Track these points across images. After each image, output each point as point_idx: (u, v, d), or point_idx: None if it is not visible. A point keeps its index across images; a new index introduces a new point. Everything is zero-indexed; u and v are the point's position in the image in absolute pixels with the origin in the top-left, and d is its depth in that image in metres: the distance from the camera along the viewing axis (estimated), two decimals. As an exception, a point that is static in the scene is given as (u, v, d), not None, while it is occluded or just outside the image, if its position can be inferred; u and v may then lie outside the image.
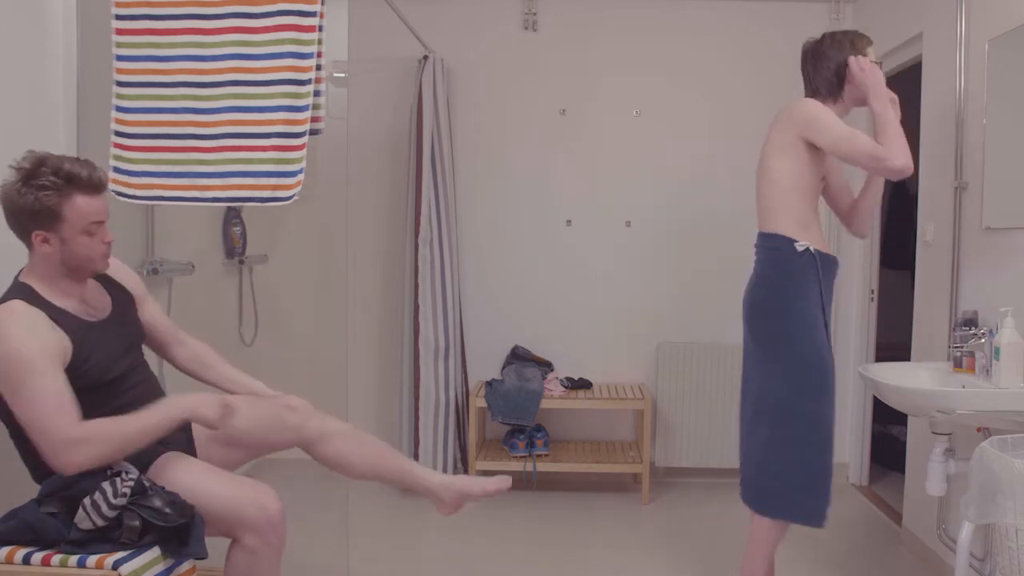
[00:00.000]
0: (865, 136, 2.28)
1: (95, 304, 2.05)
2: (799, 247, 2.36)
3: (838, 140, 2.29)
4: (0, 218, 1.96)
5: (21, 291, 1.92)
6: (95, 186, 1.92)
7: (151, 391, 2.13)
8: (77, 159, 1.93)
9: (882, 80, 2.38)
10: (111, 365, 1.99)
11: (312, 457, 2.31)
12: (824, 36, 2.48)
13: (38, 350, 1.82)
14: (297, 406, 2.29)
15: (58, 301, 1.95)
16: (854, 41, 2.44)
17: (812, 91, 2.48)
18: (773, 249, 2.41)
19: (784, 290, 2.38)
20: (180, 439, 2.14)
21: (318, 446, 2.28)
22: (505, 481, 2.35)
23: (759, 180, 2.46)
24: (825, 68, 2.44)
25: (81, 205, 1.90)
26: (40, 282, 1.94)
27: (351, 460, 2.30)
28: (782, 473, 2.39)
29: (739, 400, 2.59)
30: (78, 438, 1.79)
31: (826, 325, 2.41)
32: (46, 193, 1.85)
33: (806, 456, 2.37)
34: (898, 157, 2.23)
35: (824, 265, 2.40)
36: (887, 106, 2.34)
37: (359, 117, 4.23)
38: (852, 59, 2.40)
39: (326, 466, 2.32)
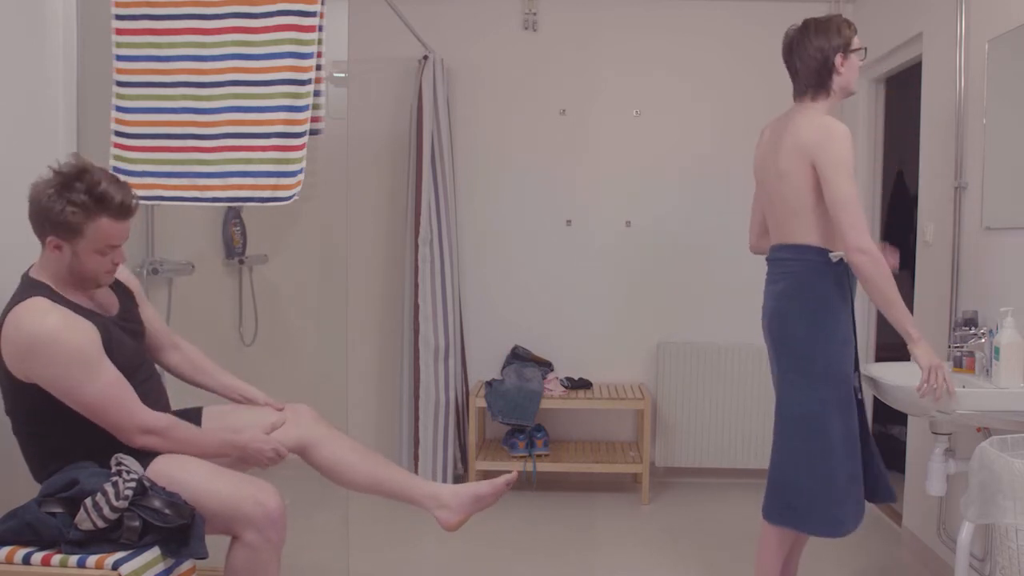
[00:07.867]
0: (859, 212, 2.19)
1: (103, 302, 2.06)
2: (833, 257, 2.30)
3: (836, 199, 2.19)
4: (8, 219, 1.96)
5: (38, 288, 1.91)
6: (124, 211, 1.91)
7: (157, 387, 2.15)
8: (116, 179, 1.91)
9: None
10: (128, 360, 2.01)
11: (309, 463, 2.31)
12: (807, 23, 2.33)
13: (87, 341, 1.85)
14: (303, 412, 2.34)
15: (73, 298, 1.95)
16: (840, 28, 2.30)
17: (801, 88, 2.35)
18: (805, 261, 2.32)
19: (818, 302, 2.30)
20: None
21: (318, 448, 2.28)
22: (512, 475, 2.28)
23: (777, 199, 2.36)
24: (811, 59, 2.30)
25: (104, 228, 1.89)
26: (53, 280, 1.95)
27: (349, 463, 2.27)
28: (818, 489, 2.31)
29: (743, 403, 2.54)
30: (154, 427, 1.94)
31: (854, 335, 2.35)
32: (73, 209, 1.84)
33: (836, 469, 2.30)
34: (866, 251, 2.18)
35: (852, 274, 2.33)
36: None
37: (359, 117, 4.23)
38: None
39: (322, 472, 2.30)
